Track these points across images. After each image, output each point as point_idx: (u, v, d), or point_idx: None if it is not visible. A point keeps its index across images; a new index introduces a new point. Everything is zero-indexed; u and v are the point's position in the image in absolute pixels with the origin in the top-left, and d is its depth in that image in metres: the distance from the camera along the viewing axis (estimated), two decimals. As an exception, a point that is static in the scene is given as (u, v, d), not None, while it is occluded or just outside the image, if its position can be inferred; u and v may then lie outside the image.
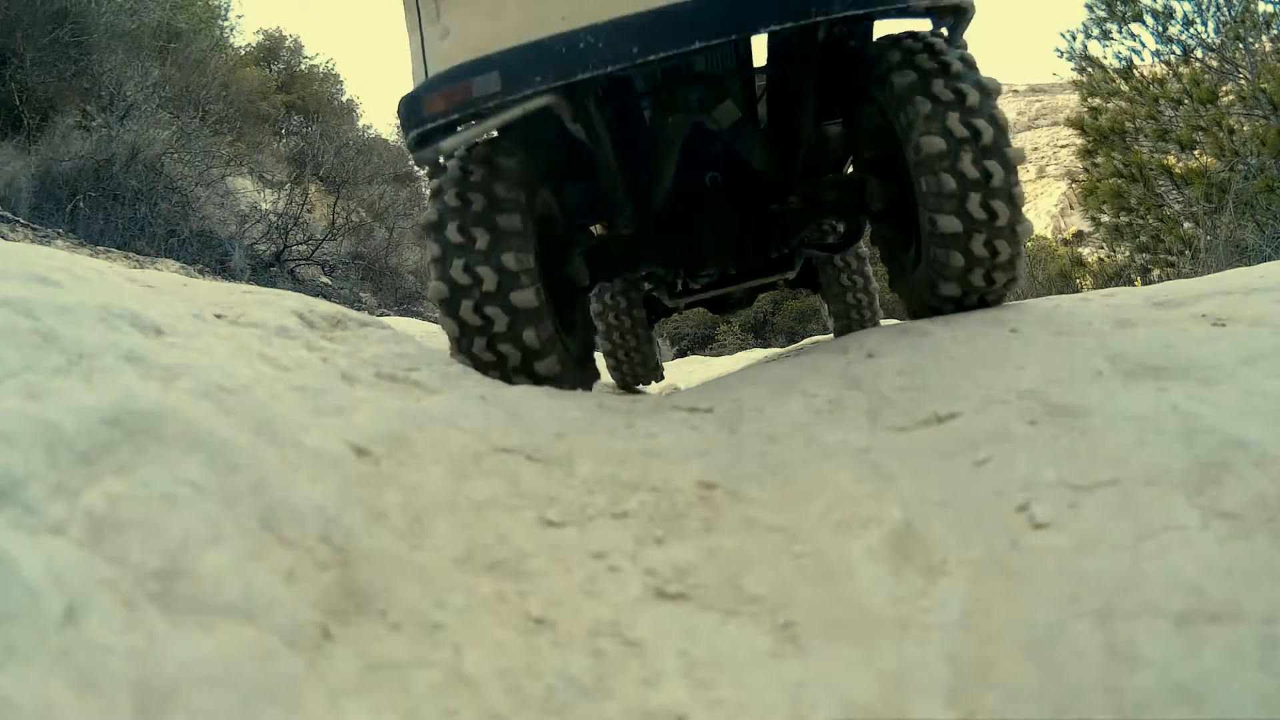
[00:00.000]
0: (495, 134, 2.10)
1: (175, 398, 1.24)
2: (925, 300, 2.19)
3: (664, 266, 2.90)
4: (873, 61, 2.12)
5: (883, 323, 3.80)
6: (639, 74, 1.99)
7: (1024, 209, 2.04)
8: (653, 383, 4.31)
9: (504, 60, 1.88)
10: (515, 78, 1.87)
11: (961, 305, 2.14)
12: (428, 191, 2.13)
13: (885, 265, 2.59)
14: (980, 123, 1.96)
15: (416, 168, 1.95)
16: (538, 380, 2.11)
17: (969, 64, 2.04)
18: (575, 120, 2.19)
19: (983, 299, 2.13)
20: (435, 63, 2.00)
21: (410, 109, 1.98)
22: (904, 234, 2.34)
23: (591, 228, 3.07)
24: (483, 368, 2.09)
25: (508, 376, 2.08)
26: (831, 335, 3.98)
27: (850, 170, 2.93)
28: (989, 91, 2.02)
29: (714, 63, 2.16)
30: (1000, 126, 1.99)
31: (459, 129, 1.97)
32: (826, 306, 4.13)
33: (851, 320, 3.95)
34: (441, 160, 2.10)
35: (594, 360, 2.67)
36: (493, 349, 2.07)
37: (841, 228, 2.97)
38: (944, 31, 2.11)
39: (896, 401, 1.64)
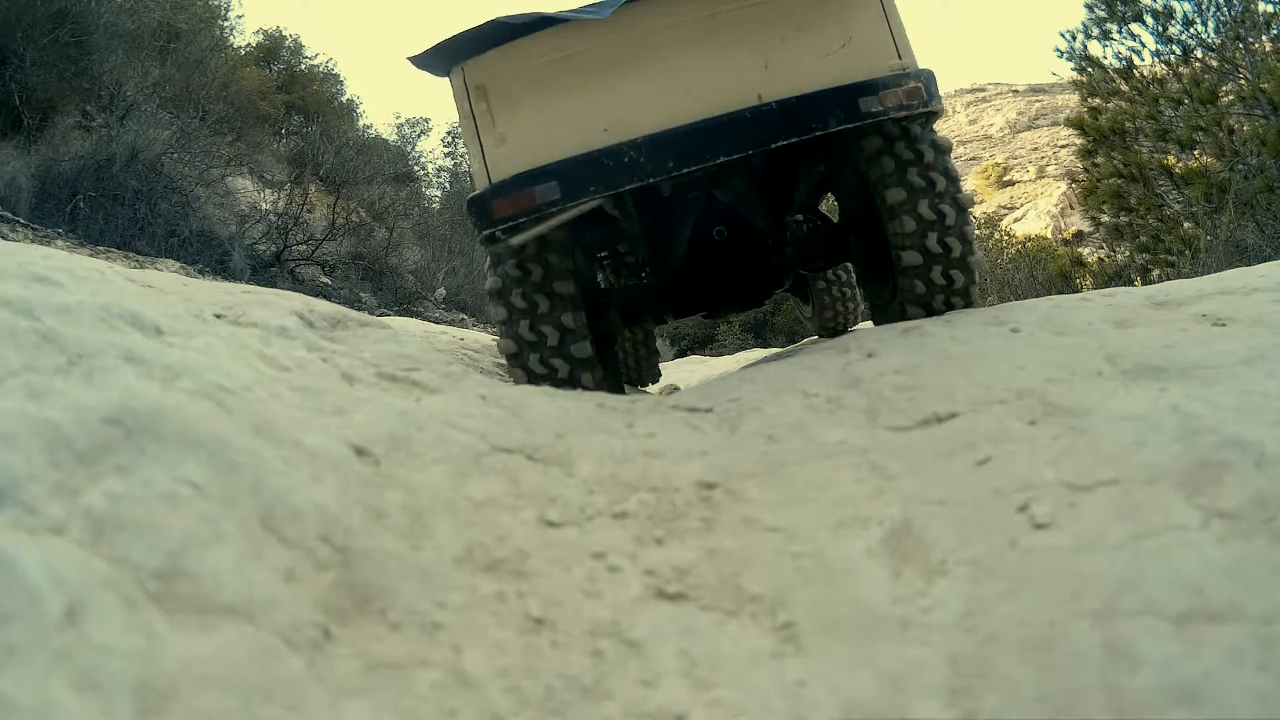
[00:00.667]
0: None
1: (175, 398, 1.24)
2: (908, 309, 2.51)
3: (682, 312, 3.26)
4: (858, 142, 2.44)
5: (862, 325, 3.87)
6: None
7: (978, 274, 2.46)
8: (651, 383, 4.42)
9: (561, 171, 2.19)
10: (572, 187, 2.20)
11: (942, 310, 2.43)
12: (488, 261, 2.50)
13: (867, 301, 3.02)
14: (946, 208, 2.35)
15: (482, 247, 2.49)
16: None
17: (939, 149, 2.38)
18: (614, 208, 2.65)
19: (948, 307, 2.45)
20: (495, 165, 2.29)
21: (481, 212, 2.28)
22: (880, 275, 2.69)
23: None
24: None
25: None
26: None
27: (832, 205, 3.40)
28: (954, 178, 2.39)
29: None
30: (963, 208, 2.38)
31: (523, 224, 2.26)
32: (810, 310, 4.43)
33: (837, 326, 4.28)
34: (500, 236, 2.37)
35: (620, 381, 3.04)
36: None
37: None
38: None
39: (896, 401, 1.64)
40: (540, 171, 2.21)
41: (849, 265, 4.02)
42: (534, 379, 2.39)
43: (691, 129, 2.17)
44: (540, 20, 2.19)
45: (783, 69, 2.21)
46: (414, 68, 2.37)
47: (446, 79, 2.39)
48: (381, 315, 8.03)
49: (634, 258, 3.10)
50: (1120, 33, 9.24)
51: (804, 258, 2.99)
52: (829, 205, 4.10)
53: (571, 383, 2.37)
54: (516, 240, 2.28)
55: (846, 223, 2.88)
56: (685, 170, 2.20)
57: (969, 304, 2.45)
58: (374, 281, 12.12)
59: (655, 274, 3.05)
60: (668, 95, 2.21)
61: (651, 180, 2.21)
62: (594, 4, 2.23)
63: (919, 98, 2.23)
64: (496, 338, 2.50)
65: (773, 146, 2.20)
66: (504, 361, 2.49)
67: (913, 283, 2.40)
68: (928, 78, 2.30)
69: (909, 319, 2.41)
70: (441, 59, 2.32)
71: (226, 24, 15.32)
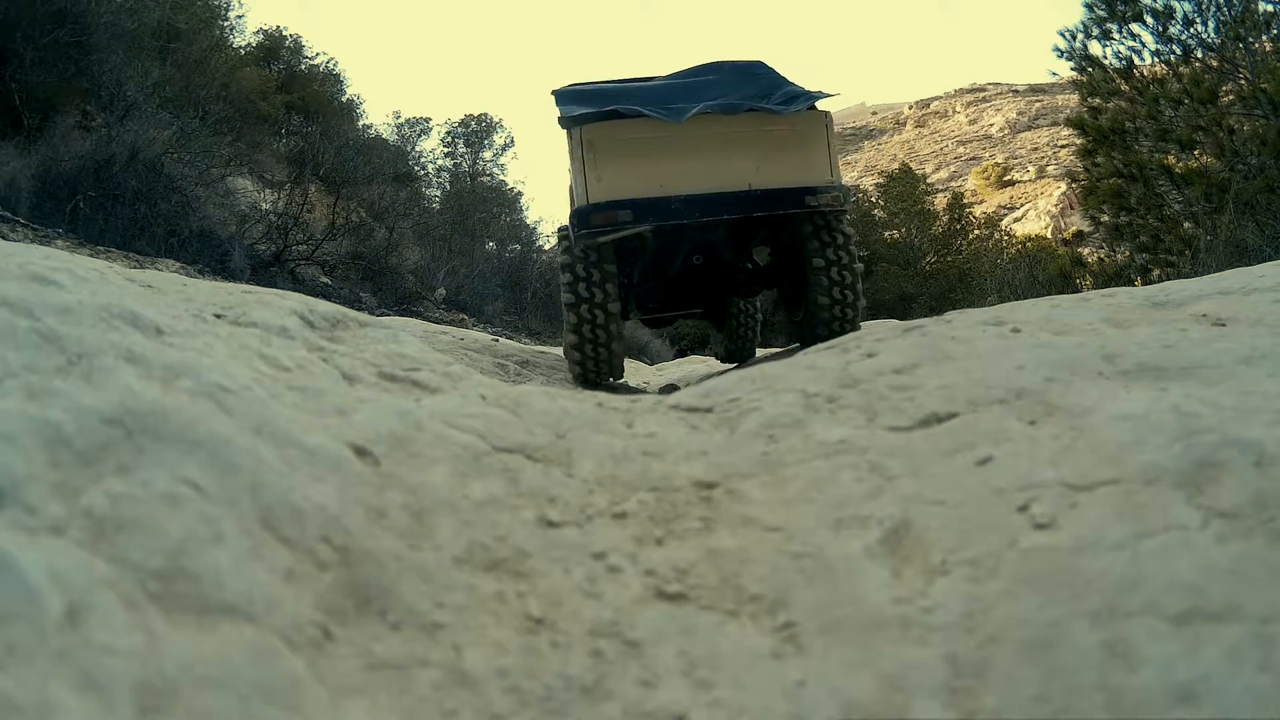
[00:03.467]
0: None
1: (175, 398, 1.24)
2: (807, 336, 4.07)
3: (668, 308, 5.05)
4: (798, 221, 4.01)
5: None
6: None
7: (860, 309, 4.05)
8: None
9: (635, 204, 3.64)
10: (639, 215, 3.65)
11: (830, 336, 3.75)
12: (561, 249, 4.03)
13: (787, 318, 4.67)
14: (847, 274, 3.92)
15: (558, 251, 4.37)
16: (615, 368, 3.95)
17: (847, 236, 3.96)
18: (650, 234, 3.99)
19: (841, 330, 3.90)
20: (594, 193, 3.66)
21: (582, 218, 3.67)
22: (797, 303, 4.29)
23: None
24: (585, 360, 3.90)
25: (599, 367, 3.91)
26: (830, 339, 4.31)
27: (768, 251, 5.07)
28: (854, 255, 3.95)
29: None
30: (856, 274, 3.94)
31: (606, 231, 3.67)
32: (721, 335, 6.06)
33: (744, 344, 5.81)
34: (572, 239, 3.84)
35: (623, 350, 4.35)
36: (595, 348, 3.86)
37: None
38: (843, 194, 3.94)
39: (896, 401, 1.64)
40: (622, 202, 3.64)
41: (756, 304, 5.85)
42: (583, 322, 3.81)
43: (711, 196, 3.68)
44: (637, 113, 3.67)
45: (765, 171, 3.75)
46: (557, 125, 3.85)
47: (564, 131, 3.85)
48: (381, 315, 8.03)
49: (622, 277, 4.32)
50: (1120, 32, 9.23)
51: (750, 282, 4.69)
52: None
53: (605, 328, 3.81)
54: (601, 240, 3.70)
55: (778, 267, 4.52)
56: (703, 219, 3.76)
57: (855, 328, 3.92)
58: (374, 281, 12.12)
59: (651, 280, 4.55)
60: (700, 174, 3.70)
61: (684, 221, 3.72)
62: (671, 109, 3.71)
63: (838, 201, 3.81)
64: (562, 294, 3.97)
65: (753, 215, 3.77)
66: (507, 361, 3.39)
67: (821, 310, 3.97)
68: (845, 190, 3.91)
69: (818, 336, 3.86)
70: (572, 122, 3.74)
71: (226, 24, 15.32)
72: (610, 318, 3.79)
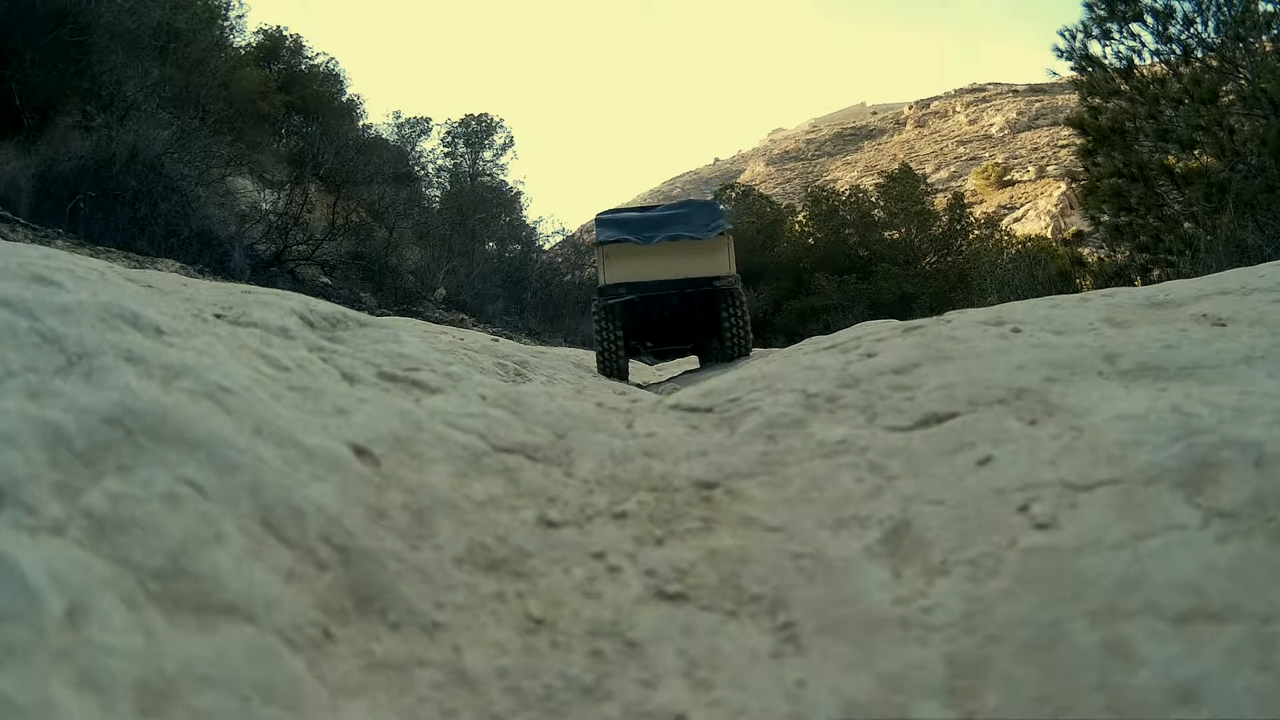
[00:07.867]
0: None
1: (175, 398, 1.24)
2: (725, 357, 7.78)
3: (658, 343, 8.43)
4: (718, 293, 7.63)
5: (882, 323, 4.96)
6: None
7: (751, 344, 7.94)
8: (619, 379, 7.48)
9: (629, 284, 7.52)
10: (631, 290, 7.50)
11: (732, 360, 7.42)
12: (594, 309, 7.64)
13: (716, 347, 8.28)
14: (743, 323, 7.66)
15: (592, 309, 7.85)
16: (623, 375, 7.42)
17: (742, 303, 7.69)
18: (638, 300, 7.60)
19: (738, 355, 7.62)
20: (609, 278, 7.54)
21: (602, 292, 7.46)
22: (721, 340, 7.82)
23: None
24: (607, 370, 7.25)
25: (615, 373, 7.23)
26: (827, 335, 4.42)
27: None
28: (745, 314, 7.69)
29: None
30: (747, 326, 7.75)
31: (614, 298, 7.44)
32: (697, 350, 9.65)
33: (715, 355, 8.59)
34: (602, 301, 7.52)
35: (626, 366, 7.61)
36: (613, 364, 7.28)
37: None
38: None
39: (895, 400, 1.64)
40: (622, 284, 7.36)
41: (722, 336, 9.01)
42: (605, 351, 7.18)
43: (666, 280, 7.49)
44: (628, 239, 7.57)
45: (697, 266, 7.53)
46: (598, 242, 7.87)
47: (594, 244, 8.39)
48: (381, 315, 8.03)
49: (626, 325, 7.56)
50: (1120, 32, 9.23)
51: (698, 329, 7.94)
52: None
53: (615, 357, 7.18)
54: (612, 302, 7.19)
55: (711, 319, 7.69)
56: (662, 294, 7.55)
57: (747, 355, 7.30)
58: (374, 281, 12.13)
59: (641, 326, 7.76)
60: (661, 269, 7.49)
61: (653, 294, 7.49)
62: (648, 236, 7.64)
63: (734, 283, 7.49)
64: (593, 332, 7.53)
65: (687, 291, 7.54)
66: (507, 361, 3.97)
67: (727, 344, 7.49)
68: (737, 276, 7.65)
69: (725, 358, 7.49)
70: (601, 243, 7.62)
71: (226, 24, 15.32)
72: (619, 347, 7.15)
